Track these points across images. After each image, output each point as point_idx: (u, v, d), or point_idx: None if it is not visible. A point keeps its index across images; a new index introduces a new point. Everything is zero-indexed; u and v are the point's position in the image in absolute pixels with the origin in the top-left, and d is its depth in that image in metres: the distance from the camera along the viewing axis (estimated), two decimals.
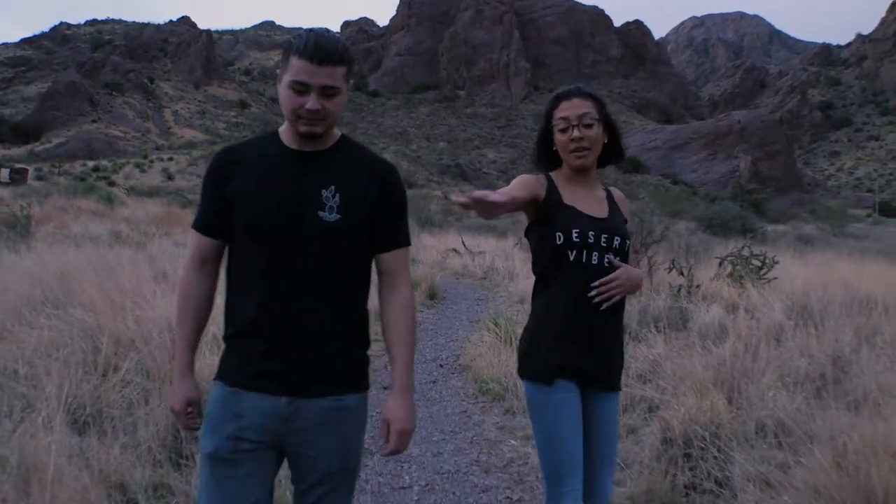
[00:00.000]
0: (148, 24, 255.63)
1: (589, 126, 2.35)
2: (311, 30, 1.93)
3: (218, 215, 1.99)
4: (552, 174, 2.49)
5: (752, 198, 59.92)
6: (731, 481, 3.07)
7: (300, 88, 1.87)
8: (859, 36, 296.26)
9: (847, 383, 4.61)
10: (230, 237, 2.01)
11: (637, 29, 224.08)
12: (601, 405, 2.38)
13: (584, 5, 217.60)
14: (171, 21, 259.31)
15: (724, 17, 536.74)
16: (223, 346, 2.03)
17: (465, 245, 18.46)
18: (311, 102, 1.87)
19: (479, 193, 2.01)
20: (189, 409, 2.04)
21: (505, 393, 5.27)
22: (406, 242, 2.12)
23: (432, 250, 18.07)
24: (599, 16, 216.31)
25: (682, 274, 8.03)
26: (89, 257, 9.77)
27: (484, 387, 5.52)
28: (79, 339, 4.63)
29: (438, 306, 10.55)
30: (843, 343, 5.49)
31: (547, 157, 2.50)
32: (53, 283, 6.90)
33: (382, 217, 2.03)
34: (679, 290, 7.63)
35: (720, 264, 8.89)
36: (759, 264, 8.47)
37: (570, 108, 2.37)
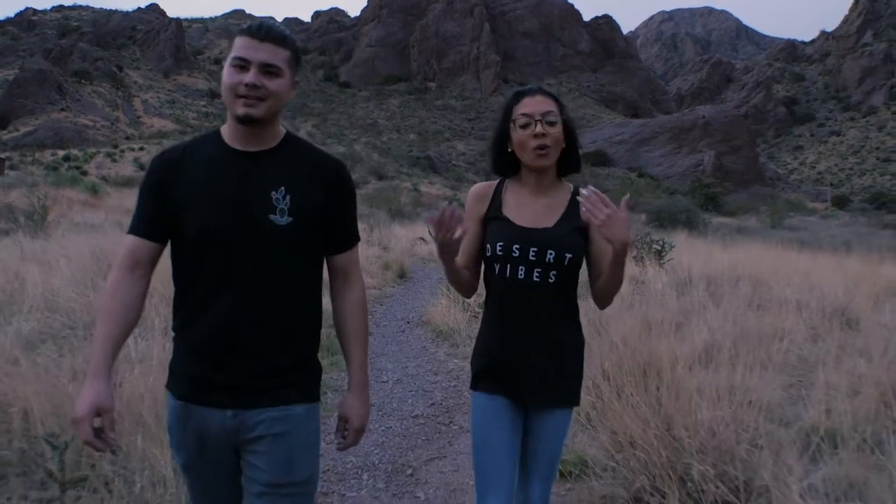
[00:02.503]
0: (115, 12, 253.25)
1: (552, 124, 2.26)
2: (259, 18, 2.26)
3: (158, 219, 1.95)
4: (507, 181, 2.43)
5: (709, 192, 62.72)
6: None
7: (241, 64, 1.85)
8: (823, 33, 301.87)
9: (685, 326, 6.73)
10: (174, 243, 1.98)
11: (606, 23, 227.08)
12: (538, 422, 2.35)
13: None
14: (139, 8, 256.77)
15: (692, 12, 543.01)
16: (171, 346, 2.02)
17: (431, 234, 20.52)
18: (250, 76, 1.83)
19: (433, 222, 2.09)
20: (97, 418, 1.82)
21: (452, 334, 7.38)
22: (357, 240, 2.10)
23: (402, 239, 20.00)
24: (569, 10, 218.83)
25: None
26: (116, 241, 11.57)
27: (437, 330, 7.65)
28: (156, 296, 6.58)
29: (407, 283, 12.67)
30: (696, 302, 7.65)
31: (503, 161, 2.41)
32: (106, 259, 8.82)
33: (333, 218, 2.00)
34: None
35: None
36: (659, 248, 10.67)
37: (534, 105, 2.27)
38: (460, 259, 2.35)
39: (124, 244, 1.99)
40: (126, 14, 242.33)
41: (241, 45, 1.86)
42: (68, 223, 17.67)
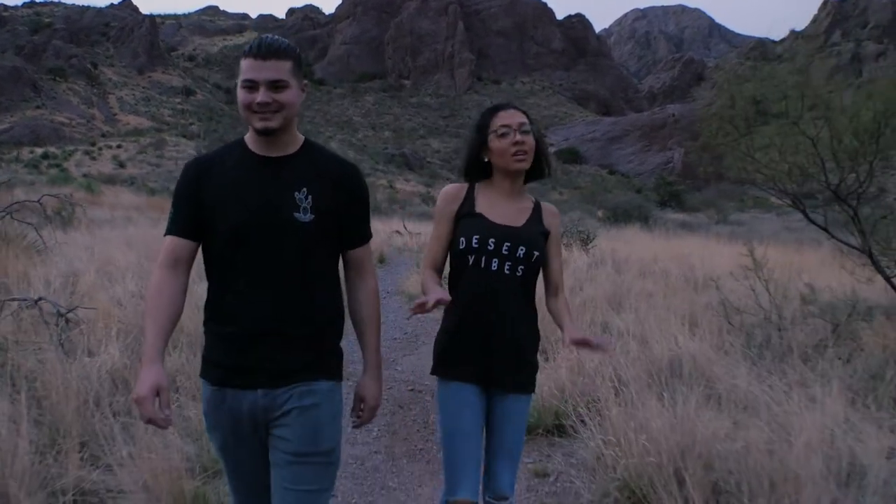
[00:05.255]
0: (89, 8, 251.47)
1: (527, 133, 2.50)
2: (259, 35, 2.11)
3: (192, 220, 2.14)
4: (477, 184, 2.63)
5: (672, 189, 65.70)
6: None
7: (250, 85, 2.03)
8: (793, 32, 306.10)
9: (583, 288, 9.44)
10: (206, 241, 2.15)
11: (579, 22, 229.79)
12: (502, 405, 2.55)
13: None
14: (112, 4, 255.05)
15: (665, 10, 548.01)
16: (203, 338, 2.22)
17: (406, 228, 23.23)
18: (261, 96, 2.01)
19: (432, 298, 2.23)
20: (157, 395, 1.97)
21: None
22: (370, 237, 2.32)
23: (380, 232, 22.44)
24: (542, 9, 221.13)
25: None
26: (147, 233, 13.96)
27: (409, 295, 10.37)
28: None
29: (386, 267, 15.49)
30: (601, 273, 10.39)
31: (475, 168, 2.63)
32: (150, 246, 11.31)
33: (349, 217, 2.19)
34: None
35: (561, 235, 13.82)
36: (585, 237, 13.45)
37: (510, 117, 2.52)
38: (431, 258, 2.63)
39: (164, 245, 2.18)
40: (99, 10, 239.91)
41: (247, 68, 2.04)
42: (86, 219, 19.65)
